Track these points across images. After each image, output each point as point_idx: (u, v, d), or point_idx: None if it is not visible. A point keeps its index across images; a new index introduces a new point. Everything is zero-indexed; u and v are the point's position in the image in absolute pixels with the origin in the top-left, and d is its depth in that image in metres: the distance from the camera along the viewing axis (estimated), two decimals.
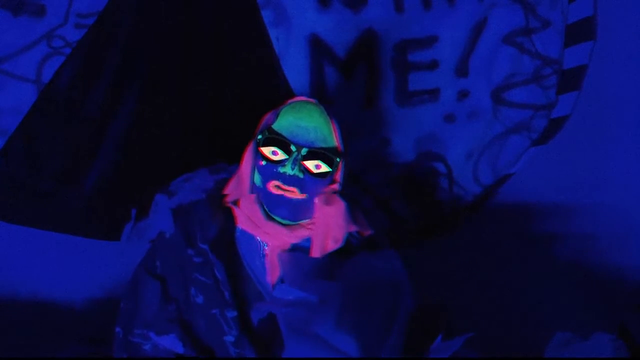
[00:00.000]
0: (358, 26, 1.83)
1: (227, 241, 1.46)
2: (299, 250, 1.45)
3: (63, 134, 1.77)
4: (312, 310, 1.33)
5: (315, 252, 1.43)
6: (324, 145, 1.41)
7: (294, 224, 1.44)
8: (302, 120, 1.42)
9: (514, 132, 1.96)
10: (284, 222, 1.43)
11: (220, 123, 1.83)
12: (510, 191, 1.99)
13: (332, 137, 1.44)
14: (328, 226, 1.44)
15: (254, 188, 1.44)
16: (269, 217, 1.43)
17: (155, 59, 1.78)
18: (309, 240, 1.45)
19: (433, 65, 1.90)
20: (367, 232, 1.52)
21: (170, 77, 1.79)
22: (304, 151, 1.39)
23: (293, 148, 1.39)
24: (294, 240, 1.45)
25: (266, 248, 1.44)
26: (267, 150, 1.41)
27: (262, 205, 1.43)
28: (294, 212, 1.42)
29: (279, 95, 1.77)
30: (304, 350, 1.30)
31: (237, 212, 1.46)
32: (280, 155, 1.40)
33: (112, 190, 1.80)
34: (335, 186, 1.46)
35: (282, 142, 1.40)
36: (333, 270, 1.41)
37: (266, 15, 1.80)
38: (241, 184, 1.46)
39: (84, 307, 1.87)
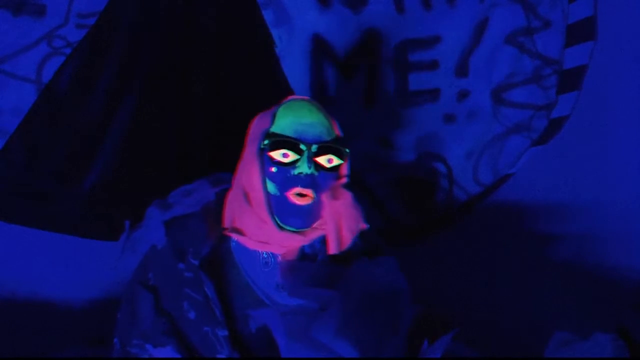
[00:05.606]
0: (358, 26, 1.84)
1: (222, 254, 1.42)
2: (306, 259, 1.41)
3: (63, 134, 1.77)
4: (313, 317, 1.30)
5: (333, 249, 1.39)
6: (330, 139, 1.38)
7: (307, 229, 1.39)
8: (304, 117, 1.37)
9: (514, 132, 1.96)
10: (296, 230, 1.38)
11: (220, 123, 1.83)
12: (510, 191, 1.98)
13: (334, 130, 1.40)
14: (340, 220, 1.39)
15: (270, 197, 1.36)
16: (281, 228, 1.37)
17: (155, 59, 1.78)
18: (312, 246, 1.43)
19: (433, 65, 1.90)
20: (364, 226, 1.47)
21: (170, 77, 1.79)
22: (314, 148, 1.34)
23: (303, 147, 1.34)
24: (307, 243, 1.41)
25: (278, 257, 1.40)
26: (277, 154, 1.35)
27: (273, 217, 1.37)
28: (308, 220, 1.37)
29: (279, 95, 1.77)
30: (304, 354, 1.28)
31: (243, 239, 1.39)
32: (292, 157, 1.34)
33: (111, 190, 1.80)
34: (344, 180, 1.41)
35: (290, 143, 1.34)
36: (333, 278, 1.37)
37: (267, 15, 1.81)
38: (253, 198, 1.38)
39: (84, 307, 1.87)
